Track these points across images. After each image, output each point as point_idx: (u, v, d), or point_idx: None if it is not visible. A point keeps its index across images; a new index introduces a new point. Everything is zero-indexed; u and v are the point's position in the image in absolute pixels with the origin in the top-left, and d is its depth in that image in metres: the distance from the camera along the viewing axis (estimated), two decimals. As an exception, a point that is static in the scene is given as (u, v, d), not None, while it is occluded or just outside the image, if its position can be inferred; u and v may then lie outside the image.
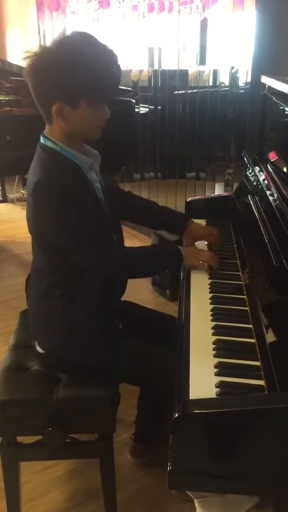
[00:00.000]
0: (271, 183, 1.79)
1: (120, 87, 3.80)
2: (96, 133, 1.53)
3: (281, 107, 1.94)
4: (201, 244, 1.91)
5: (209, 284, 1.62)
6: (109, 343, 1.59)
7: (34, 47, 1.41)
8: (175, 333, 1.45)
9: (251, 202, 1.86)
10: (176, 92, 4.37)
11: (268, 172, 1.93)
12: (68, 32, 1.44)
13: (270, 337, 1.24)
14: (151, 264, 1.72)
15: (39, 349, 1.67)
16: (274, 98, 2.02)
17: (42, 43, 5.64)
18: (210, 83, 4.41)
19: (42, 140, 1.53)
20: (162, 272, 1.75)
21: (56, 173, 1.48)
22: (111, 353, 1.59)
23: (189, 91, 4.28)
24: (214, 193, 4.22)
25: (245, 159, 2.30)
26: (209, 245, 1.90)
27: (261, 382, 1.15)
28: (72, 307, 1.57)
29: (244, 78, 4.01)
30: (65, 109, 1.42)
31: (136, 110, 4.24)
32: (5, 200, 5.28)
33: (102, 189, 1.64)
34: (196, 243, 1.89)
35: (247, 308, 1.47)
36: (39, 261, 1.61)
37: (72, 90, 1.39)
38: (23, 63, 1.42)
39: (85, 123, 1.46)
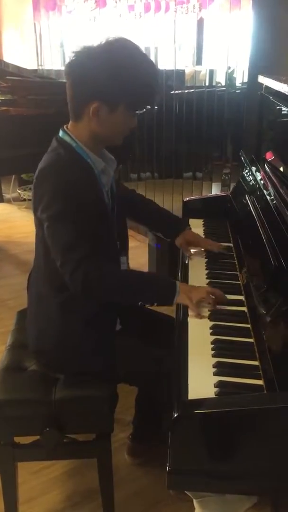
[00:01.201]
0: (268, 183, 1.80)
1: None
2: (119, 140, 1.54)
3: (278, 107, 1.94)
4: (199, 252, 1.85)
5: (207, 285, 1.62)
6: (104, 351, 1.58)
7: (80, 45, 1.42)
8: (173, 333, 1.44)
9: (248, 202, 1.86)
10: (172, 92, 4.37)
11: (265, 171, 1.94)
12: (113, 37, 1.44)
13: (268, 336, 1.24)
14: (133, 294, 1.54)
15: (30, 347, 1.67)
16: (271, 97, 2.02)
17: (38, 43, 5.65)
18: (207, 83, 4.41)
19: (60, 134, 1.53)
20: (146, 304, 1.61)
21: (66, 164, 1.48)
22: (106, 360, 1.58)
23: (186, 91, 4.28)
24: (211, 193, 4.22)
25: (242, 158, 2.30)
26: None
27: (260, 382, 1.15)
28: (69, 317, 1.56)
29: (241, 78, 4.01)
30: (102, 110, 1.42)
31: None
32: (1, 200, 5.27)
33: (112, 195, 1.64)
34: (193, 250, 1.86)
35: (245, 308, 1.47)
36: (40, 260, 1.60)
37: (115, 92, 1.40)
38: (68, 58, 1.43)
39: (115, 128, 1.48)
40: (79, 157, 1.50)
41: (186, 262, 1.81)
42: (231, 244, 1.93)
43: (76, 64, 1.42)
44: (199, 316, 1.42)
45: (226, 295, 1.49)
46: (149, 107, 4.43)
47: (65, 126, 1.53)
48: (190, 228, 1.98)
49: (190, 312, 1.45)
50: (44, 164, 1.49)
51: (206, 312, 1.44)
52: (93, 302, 1.55)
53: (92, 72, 1.39)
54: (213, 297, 1.47)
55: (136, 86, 1.40)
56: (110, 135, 1.51)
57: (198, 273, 1.71)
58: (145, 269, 3.24)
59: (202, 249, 1.86)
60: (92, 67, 1.39)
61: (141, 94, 1.44)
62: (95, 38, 1.44)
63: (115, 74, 1.38)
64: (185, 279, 1.68)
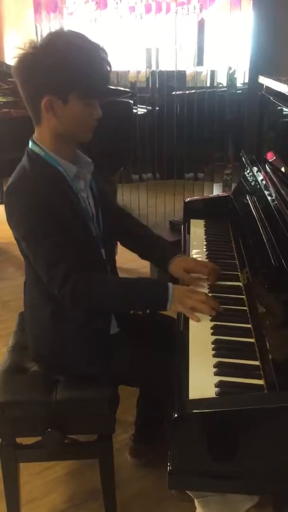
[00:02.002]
0: (269, 183, 1.80)
1: (118, 88, 3.82)
2: (87, 134, 1.48)
3: (279, 107, 1.94)
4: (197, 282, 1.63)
5: (207, 285, 1.62)
6: (99, 355, 1.57)
7: (22, 45, 1.38)
8: (174, 334, 1.45)
9: (250, 202, 1.86)
10: (174, 92, 4.38)
11: (266, 172, 1.94)
12: (51, 32, 1.42)
13: (269, 336, 1.24)
14: (124, 302, 1.51)
15: (29, 352, 1.68)
16: (271, 98, 2.02)
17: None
18: (208, 84, 4.42)
19: (30, 144, 1.50)
20: (138, 311, 1.66)
21: (31, 180, 1.44)
22: (102, 364, 1.57)
23: (187, 92, 4.30)
24: (212, 194, 4.23)
25: (243, 159, 2.30)
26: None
27: (261, 382, 1.15)
28: (61, 324, 1.56)
29: (242, 78, 4.03)
30: (55, 103, 1.38)
31: (134, 111, 4.24)
32: (2, 202, 5.27)
33: (94, 198, 1.60)
34: (194, 275, 1.64)
35: (246, 308, 1.47)
36: (28, 271, 1.59)
37: (63, 82, 1.35)
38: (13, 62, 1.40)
39: (75, 120, 1.41)
40: (47, 165, 1.46)
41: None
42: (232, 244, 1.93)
43: (17, 65, 1.39)
44: (198, 320, 1.40)
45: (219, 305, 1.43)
46: (143, 110, 4.43)
47: (33, 136, 1.50)
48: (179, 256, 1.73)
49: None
50: (11, 180, 1.46)
51: (205, 316, 1.42)
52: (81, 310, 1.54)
53: (36, 65, 1.35)
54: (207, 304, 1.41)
55: (81, 70, 1.35)
56: (74, 129, 1.44)
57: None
58: (146, 270, 3.24)
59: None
60: (35, 61, 1.35)
61: (88, 78, 1.37)
62: (97, 39, 1.42)
63: (57, 63, 1.33)
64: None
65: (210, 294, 1.52)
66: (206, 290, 1.55)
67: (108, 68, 1.41)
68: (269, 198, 1.70)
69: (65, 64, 1.33)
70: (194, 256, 1.82)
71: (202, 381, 1.15)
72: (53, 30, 1.49)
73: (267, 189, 1.77)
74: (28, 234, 1.43)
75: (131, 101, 3.98)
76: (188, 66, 4.98)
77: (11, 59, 1.43)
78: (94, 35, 1.41)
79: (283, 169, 1.84)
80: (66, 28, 1.44)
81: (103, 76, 1.41)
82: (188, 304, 1.42)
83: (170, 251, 1.73)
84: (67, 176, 1.48)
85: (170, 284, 1.46)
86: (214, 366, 1.21)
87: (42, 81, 1.36)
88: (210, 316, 1.40)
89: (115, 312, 1.64)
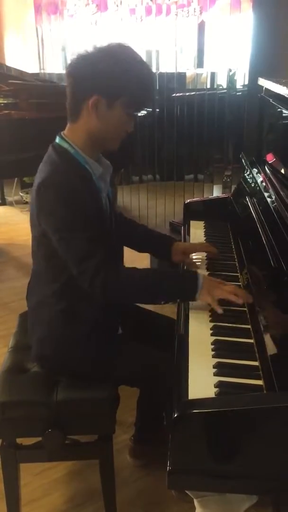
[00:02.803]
0: (269, 185, 1.80)
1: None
2: (115, 143, 1.53)
3: (279, 109, 1.95)
4: (200, 254, 1.82)
5: (206, 265, 1.62)
6: (107, 356, 1.58)
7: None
8: (174, 334, 1.45)
9: (249, 204, 1.87)
10: (174, 94, 4.39)
11: (266, 174, 1.94)
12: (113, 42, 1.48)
13: (268, 337, 1.25)
14: (154, 293, 1.54)
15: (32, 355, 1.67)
16: (271, 100, 2.03)
17: (40, 46, 5.67)
18: (208, 86, 4.44)
19: (57, 140, 1.52)
20: (168, 301, 1.60)
21: (64, 174, 1.47)
22: (108, 365, 1.58)
23: (187, 94, 4.31)
24: (212, 195, 4.24)
25: (243, 161, 2.31)
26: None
27: (260, 382, 1.16)
28: (70, 324, 1.56)
29: (242, 80, 4.03)
30: (101, 104, 1.42)
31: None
32: (3, 203, 5.29)
33: (110, 201, 1.63)
34: (194, 255, 1.82)
35: (245, 309, 1.47)
36: (39, 266, 1.60)
37: (115, 86, 1.41)
38: (70, 60, 1.46)
39: (112, 126, 1.47)
40: (76, 163, 1.49)
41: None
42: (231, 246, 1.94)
43: (77, 62, 1.44)
44: (221, 311, 1.42)
45: (250, 296, 1.46)
46: (144, 112, 4.46)
47: (62, 132, 1.53)
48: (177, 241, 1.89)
49: (191, 315, 1.45)
50: (43, 176, 1.47)
51: (205, 318, 1.44)
52: (95, 308, 1.54)
53: (93, 66, 1.41)
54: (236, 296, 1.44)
55: (135, 82, 1.42)
56: (107, 135, 1.49)
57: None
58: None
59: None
60: (93, 62, 1.41)
61: (138, 92, 1.44)
62: (97, 41, 1.47)
63: (115, 67, 1.40)
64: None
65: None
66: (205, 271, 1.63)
67: (153, 88, 1.49)
68: (268, 199, 1.71)
69: (123, 71, 1.41)
70: (194, 257, 1.83)
71: (201, 381, 1.16)
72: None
73: (267, 191, 1.78)
74: (62, 227, 1.44)
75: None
76: (188, 68, 4.99)
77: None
78: (94, 38, 1.44)
79: (282, 171, 1.84)
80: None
81: (150, 92, 1.51)
82: (217, 294, 1.44)
83: (168, 239, 1.84)
84: (93, 175, 1.52)
85: (199, 274, 1.50)
86: (214, 367, 1.21)
87: (96, 80, 1.41)
88: (238, 303, 1.43)
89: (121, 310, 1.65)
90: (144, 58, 1.53)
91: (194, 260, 1.80)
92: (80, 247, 1.44)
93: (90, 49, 1.43)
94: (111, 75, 1.40)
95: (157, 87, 4.52)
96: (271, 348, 1.21)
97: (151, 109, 4.54)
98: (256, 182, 1.98)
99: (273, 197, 1.68)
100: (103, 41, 1.45)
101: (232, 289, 1.46)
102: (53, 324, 1.58)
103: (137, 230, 1.87)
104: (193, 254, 1.83)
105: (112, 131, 1.49)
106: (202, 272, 1.68)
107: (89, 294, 1.46)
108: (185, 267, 1.78)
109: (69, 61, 1.49)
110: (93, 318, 1.56)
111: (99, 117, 1.44)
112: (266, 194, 1.77)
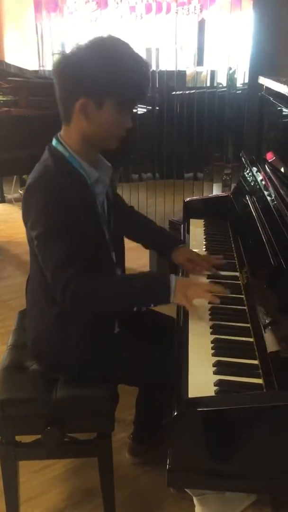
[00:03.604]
0: (268, 184, 1.80)
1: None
2: (113, 142, 1.48)
3: (279, 108, 1.95)
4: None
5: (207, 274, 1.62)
6: (103, 355, 1.57)
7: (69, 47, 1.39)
8: (173, 333, 1.45)
9: (249, 202, 1.87)
10: (174, 92, 4.38)
11: (265, 172, 1.94)
12: (104, 35, 1.40)
13: (268, 336, 1.25)
14: (125, 302, 1.50)
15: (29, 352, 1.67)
16: (271, 99, 2.03)
17: (40, 44, 5.66)
18: (208, 84, 4.43)
19: (54, 142, 1.48)
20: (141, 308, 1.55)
21: (56, 178, 1.42)
22: (105, 363, 1.58)
23: (187, 92, 4.30)
24: (212, 194, 4.23)
25: (243, 159, 2.31)
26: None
27: (259, 381, 1.16)
28: (65, 326, 1.54)
29: (242, 78, 4.03)
30: (89, 106, 1.37)
31: (134, 110, 4.25)
32: (3, 200, 5.29)
33: (109, 202, 1.61)
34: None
35: (245, 308, 1.47)
36: (34, 268, 1.58)
37: (101, 87, 1.35)
38: (53, 58, 1.41)
39: (105, 126, 1.41)
40: (70, 168, 1.45)
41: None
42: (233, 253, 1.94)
43: (63, 61, 1.39)
44: (199, 318, 1.40)
45: (226, 289, 1.45)
46: (144, 110, 4.44)
47: (58, 134, 1.49)
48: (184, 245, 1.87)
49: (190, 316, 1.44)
50: (32, 178, 1.44)
51: (206, 314, 1.43)
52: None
53: (79, 66, 1.35)
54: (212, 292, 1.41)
55: (122, 79, 1.35)
56: (102, 135, 1.44)
57: (198, 274, 1.71)
58: (146, 268, 3.25)
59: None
60: (79, 61, 1.35)
61: (128, 88, 1.37)
62: (82, 39, 1.40)
63: (101, 67, 1.33)
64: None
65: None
66: (206, 279, 1.61)
67: (148, 82, 1.41)
68: (268, 198, 1.71)
69: (109, 69, 1.33)
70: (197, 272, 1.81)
71: (201, 379, 1.16)
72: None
73: (267, 189, 1.78)
74: (42, 234, 1.41)
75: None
76: (188, 66, 4.99)
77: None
78: (94, 35, 1.41)
79: (282, 170, 1.84)
80: (112, 34, 1.42)
81: (142, 89, 1.42)
82: (190, 295, 1.41)
83: (174, 240, 1.84)
84: (88, 180, 1.48)
85: (172, 276, 1.45)
86: (214, 365, 1.22)
87: (82, 82, 1.35)
88: (215, 303, 1.40)
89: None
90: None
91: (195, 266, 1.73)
92: (56, 256, 1.40)
93: (73, 47, 1.37)
94: (96, 75, 1.33)
95: (157, 85, 4.52)
96: (271, 346, 1.21)
97: (151, 107, 4.55)
98: (256, 181, 1.98)
99: (273, 195, 1.68)
100: (85, 38, 1.38)
101: (207, 286, 1.43)
102: (48, 324, 1.57)
103: (144, 225, 1.86)
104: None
105: (105, 131, 1.44)
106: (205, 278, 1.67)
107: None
108: (184, 271, 1.75)
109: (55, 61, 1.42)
110: (88, 318, 1.54)
111: (89, 120, 1.39)
112: (266, 193, 1.77)
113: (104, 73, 1.33)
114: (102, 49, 1.36)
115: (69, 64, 1.37)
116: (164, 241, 1.83)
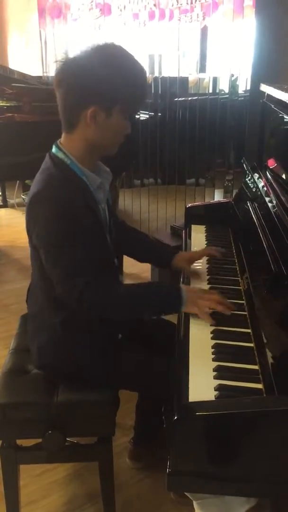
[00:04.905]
0: (270, 190, 1.81)
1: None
2: (114, 148, 1.49)
3: (280, 115, 1.97)
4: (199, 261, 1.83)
5: (208, 277, 1.64)
6: (107, 362, 1.58)
7: (64, 54, 1.38)
8: (174, 339, 1.46)
9: (250, 209, 1.88)
10: (176, 99, 4.41)
11: (267, 179, 1.95)
12: (102, 42, 1.41)
13: (268, 341, 1.25)
14: (138, 310, 1.54)
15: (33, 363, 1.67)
16: (273, 106, 2.04)
17: (44, 50, 5.69)
18: (210, 91, 4.46)
19: (54, 150, 1.48)
20: (153, 317, 1.65)
21: (59, 188, 1.42)
22: (108, 370, 1.58)
23: (189, 98, 4.33)
24: (213, 200, 4.25)
25: (245, 166, 2.32)
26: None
27: (259, 386, 1.17)
28: (69, 334, 1.55)
29: (244, 85, 4.05)
30: (99, 114, 1.38)
31: (137, 116, 4.27)
32: (5, 205, 5.31)
33: (108, 208, 1.61)
34: (195, 264, 1.82)
35: (246, 313, 1.48)
36: (36, 275, 1.58)
37: (111, 94, 1.36)
38: (56, 66, 1.39)
39: (111, 134, 1.43)
40: (73, 176, 1.45)
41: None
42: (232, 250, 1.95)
43: (67, 71, 1.38)
44: (210, 322, 1.42)
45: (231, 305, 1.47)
46: (146, 116, 4.45)
47: (58, 141, 1.49)
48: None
49: (191, 319, 1.46)
50: (37, 187, 1.44)
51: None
52: (93, 318, 1.53)
53: (87, 75, 1.35)
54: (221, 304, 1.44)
55: (130, 86, 1.37)
56: (106, 143, 1.46)
57: (199, 279, 1.72)
58: (147, 274, 3.25)
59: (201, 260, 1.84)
60: (85, 70, 1.35)
61: (135, 95, 1.40)
62: (83, 46, 1.40)
63: (109, 75, 1.34)
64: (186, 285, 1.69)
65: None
66: (206, 284, 1.64)
67: (149, 90, 1.45)
68: (269, 204, 1.72)
69: (117, 76, 1.34)
70: (195, 262, 1.84)
71: (202, 384, 1.17)
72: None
73: (268, 196, 1.79)
74: (51, 243, 1.42)
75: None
76: (190, 73, 5.02)
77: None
78: (97, 42, 1.42)
79: (283, 176, 1.85)
80: (114, 41, 1.44)
81: (145, 96, 1.47)
82: (203, 305, 1.43)
83: (170, 250, 1.87)
84: (90, 187, 1.49)
85: (182, 287, 1.50)
86: (214, 370, 1.22)
87: (91, 91, 1.36)
88: (226, 314, 1.43)
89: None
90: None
91: (195, 266, 1.80)
92: (67, 265, 1.41)
93: (77, 55, 1.37)
94: (106, 83, 1.34)
95: (160, 92, 4.54)
96: (271, 352, 1.22)
97: (153, 113, 4.57)
98: (257, 187, 1.99)
99: (274, 202, 1.69)
100: (88, 46, 1.38)
101: (218, 298, 1.45)
102: (52, 333, 1.57)
103: (139, 240, 1.86)
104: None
105: (111, 138, 1.45)
106: (203, 277, 1.72)
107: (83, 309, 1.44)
108: (185, 275, 1.77)
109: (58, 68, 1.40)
110: (92, 327, 1.55)
111: (98, 128, 1.40)
112: (267, 199, 1.78)
113: (112, 79, 1.34)
114: (106, 55, 1.37)
115: (76, 75, 1.37)
116: (164, 256, 1.85)
